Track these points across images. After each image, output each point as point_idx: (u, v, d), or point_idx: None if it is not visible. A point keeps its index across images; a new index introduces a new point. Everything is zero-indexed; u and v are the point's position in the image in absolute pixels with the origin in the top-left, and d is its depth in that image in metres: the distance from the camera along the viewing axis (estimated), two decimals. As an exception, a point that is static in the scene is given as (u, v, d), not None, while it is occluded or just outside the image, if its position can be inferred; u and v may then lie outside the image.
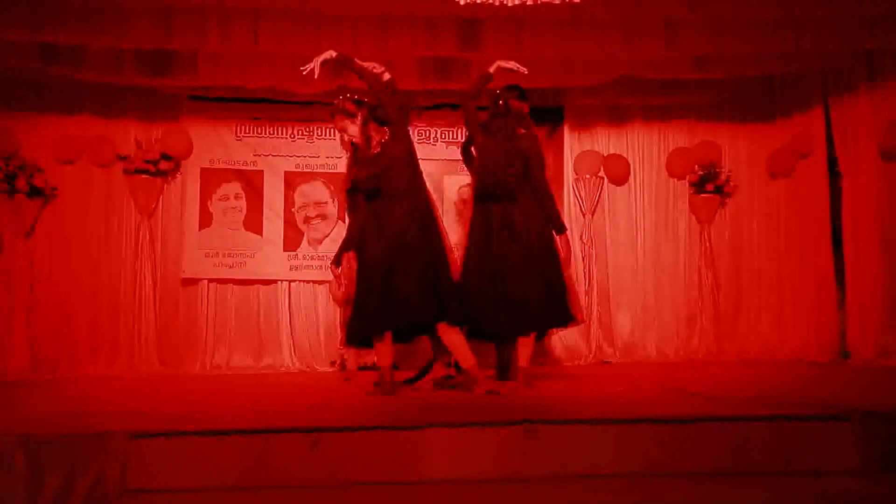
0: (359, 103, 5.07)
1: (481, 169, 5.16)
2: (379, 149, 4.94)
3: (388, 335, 4.89)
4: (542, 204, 5.13)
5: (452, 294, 4.88)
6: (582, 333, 8.08)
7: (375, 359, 7.53)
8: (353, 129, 5.07)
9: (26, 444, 3.36)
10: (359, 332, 4.96)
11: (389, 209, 4.86)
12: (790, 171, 7.93)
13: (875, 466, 3.58)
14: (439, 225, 5.03)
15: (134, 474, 3.43)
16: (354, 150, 5.12)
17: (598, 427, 3.69)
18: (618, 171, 8.39)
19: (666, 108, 8.38)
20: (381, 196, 4.88)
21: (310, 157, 8.18)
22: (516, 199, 5.02)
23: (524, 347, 5.09)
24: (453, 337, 4.95)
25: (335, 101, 5.16)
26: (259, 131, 8.12)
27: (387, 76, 5.03)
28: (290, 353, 7.94)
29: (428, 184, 5.31)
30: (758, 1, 5.69)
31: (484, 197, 5.11)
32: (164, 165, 7.71)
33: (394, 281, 4.73)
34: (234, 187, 8.05)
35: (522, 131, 5.16)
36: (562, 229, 5.21)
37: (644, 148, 8.53)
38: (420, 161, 7.80)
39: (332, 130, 8.06)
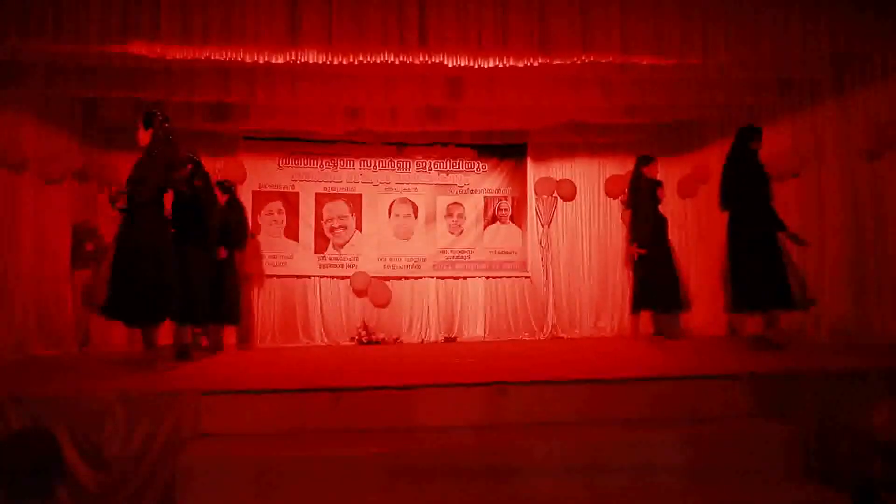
0: (161, 120, 4.73)
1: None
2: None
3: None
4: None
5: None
6: (540, 314, 8.19)
7: (382, 335, 7.65)
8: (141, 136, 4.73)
9: (124, 398, 3.44)
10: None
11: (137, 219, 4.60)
12: (694, 193, 8.00)
13: (756, 412, 3.71)
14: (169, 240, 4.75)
15: (205, 422, 3.52)
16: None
17: (553, 387, 3.79)
18: (568, 193, 8.47)
19: (604, 144, 8.45)
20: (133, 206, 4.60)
21: (335, 181, 8.21)
22: None
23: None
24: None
25: (156, 112, 4.80)
26: (296, 162, 8.16)
27: None
28: (321, 331, 7.97)
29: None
30: (671, 67, 5.73)
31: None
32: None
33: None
34: (277, 205, 8.08)
35: None
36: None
37: (588, 174, 8.59)
38: (415, 185, 8.09)
39: (351, 161, 8.17)
